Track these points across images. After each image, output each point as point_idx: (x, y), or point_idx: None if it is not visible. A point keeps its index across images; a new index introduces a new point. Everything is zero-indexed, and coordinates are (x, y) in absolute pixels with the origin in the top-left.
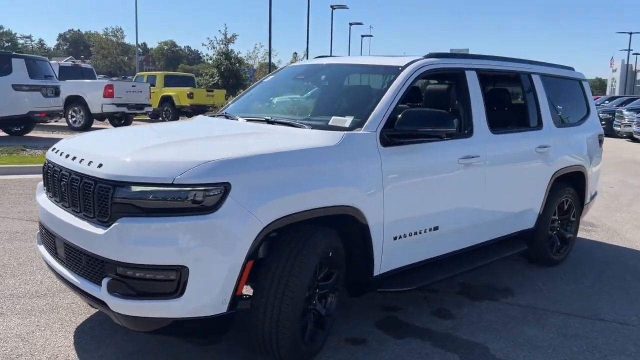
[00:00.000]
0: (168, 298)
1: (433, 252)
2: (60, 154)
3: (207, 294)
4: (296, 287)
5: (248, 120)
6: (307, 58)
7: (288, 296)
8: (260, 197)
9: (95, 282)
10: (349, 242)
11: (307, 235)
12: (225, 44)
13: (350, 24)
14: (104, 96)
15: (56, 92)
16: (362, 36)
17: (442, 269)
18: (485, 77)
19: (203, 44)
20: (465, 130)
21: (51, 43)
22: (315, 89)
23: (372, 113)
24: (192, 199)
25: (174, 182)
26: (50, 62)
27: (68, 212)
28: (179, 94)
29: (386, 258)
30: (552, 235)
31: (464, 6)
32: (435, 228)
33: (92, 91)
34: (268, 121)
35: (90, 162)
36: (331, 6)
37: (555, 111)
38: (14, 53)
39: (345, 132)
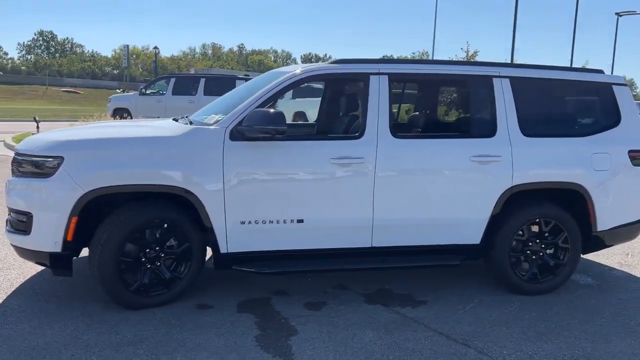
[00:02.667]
0: (24, 234)
1: (302, 243)
2: None
3: (44, 235)
4: (107, 244)
5: (174, 119)
6: None
7: (100, 250)
8: (85, 169)
9: None
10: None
11: (126, 205)
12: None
13: None
14: None
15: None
16: None
17: (315, 262)
18: (412, 82)
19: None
20: (355, 132)
21: None
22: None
23: (231, 112)
24: (37, 166)
25: (29, 153)
26: None
27: None
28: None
29: (234, 239)
30: (519, 259)
31: None
32: (300, 221)
33: (311, 108)
34: (188, 119)
35: None
36: (616, 13)
37: (530, 118)
38: (238, 76)
39: (193, 126)
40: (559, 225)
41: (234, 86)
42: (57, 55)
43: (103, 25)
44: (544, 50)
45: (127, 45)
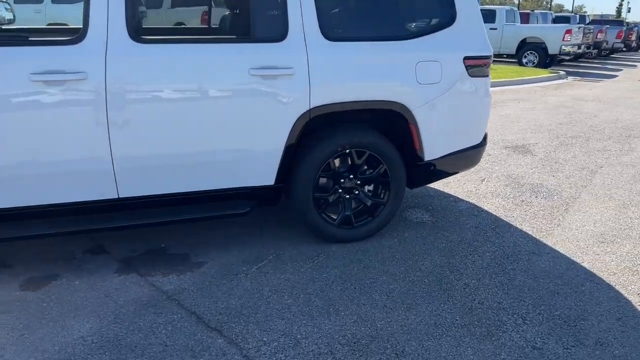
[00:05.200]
0: None
1: (12, 200)
2: None
3: None
4: None
5: None
6: None
7: None
8: None
9: None
10: None
11: None
12: None
13: None
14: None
15: None
16: None
17: (35, 225)
18: None
19: None
20: (74, 34)
21: None
22: None
23: None
24: None
25: None
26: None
27: None
28: None
29: None
30: (327, 200)
31: None
32: None
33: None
34: None
35: None
36: None
37: (337, 15)
38: None
39: None
40: (376, 156)
41: None
42: None
43: None
44: None
45: None
